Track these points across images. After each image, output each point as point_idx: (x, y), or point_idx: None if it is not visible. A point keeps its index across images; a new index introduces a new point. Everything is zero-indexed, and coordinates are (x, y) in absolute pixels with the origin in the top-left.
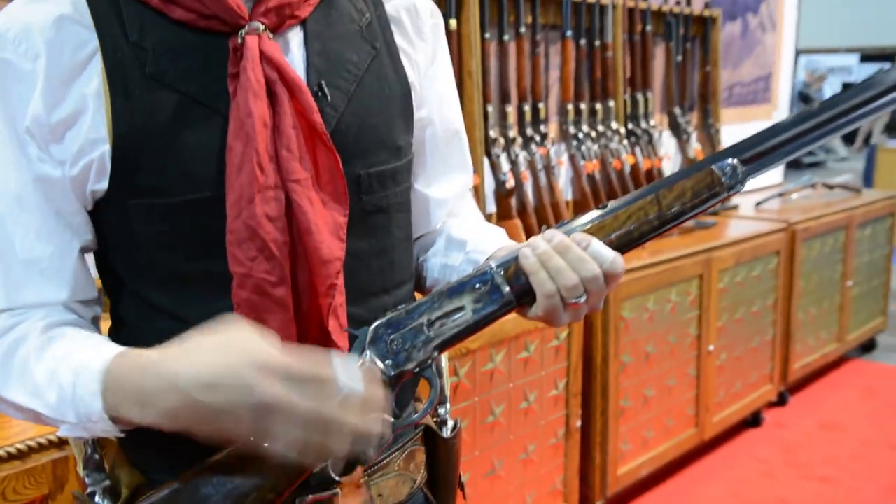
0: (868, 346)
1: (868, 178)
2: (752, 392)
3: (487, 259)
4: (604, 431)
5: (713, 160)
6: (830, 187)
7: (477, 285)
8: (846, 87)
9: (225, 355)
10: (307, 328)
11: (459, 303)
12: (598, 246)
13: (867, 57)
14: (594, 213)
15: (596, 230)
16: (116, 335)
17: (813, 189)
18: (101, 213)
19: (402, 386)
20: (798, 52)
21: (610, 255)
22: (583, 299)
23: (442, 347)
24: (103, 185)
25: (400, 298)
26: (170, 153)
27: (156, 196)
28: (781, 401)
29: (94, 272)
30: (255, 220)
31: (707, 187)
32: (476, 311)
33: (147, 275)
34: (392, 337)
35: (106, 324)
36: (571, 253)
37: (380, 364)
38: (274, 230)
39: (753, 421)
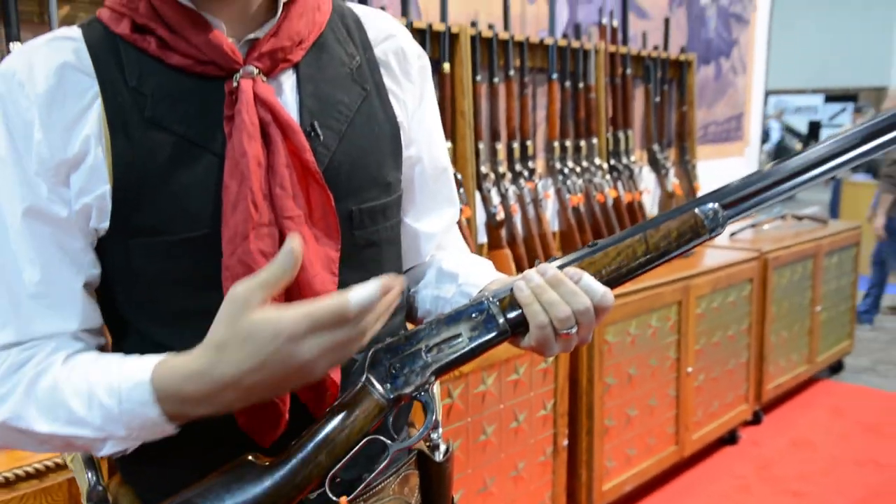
0: (836, 368)
1: (834, 210)
2: (728, 411)
3: (481, 290)
4: (589, 449)
5: (696, 204)
6: (799, 219)
7: (473, 314)
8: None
9: (256, 343)
10: None
11: (456, 330)
12: (589, 280)
13: (831, 97)
14: (585, 250)
15: (587, 266)
16: None
17: (783, 220)
18: (102, 251)
19: (398, 409)
20: (767, 93)
21: (600, 289)
22: (574, 330)
23: (439, 373)
24: (105, 224)
25: (392, 328)
26: (168, 193)
27: (155, 234)
28: (756, 420)
29: None
30: (250, 257)
31: (690, 229)
32: (472, 339)
33: (147, 310)
34: (391, 361)
35: None
36: (564, 286)
37: (379, 387)
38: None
39: (730, 439)
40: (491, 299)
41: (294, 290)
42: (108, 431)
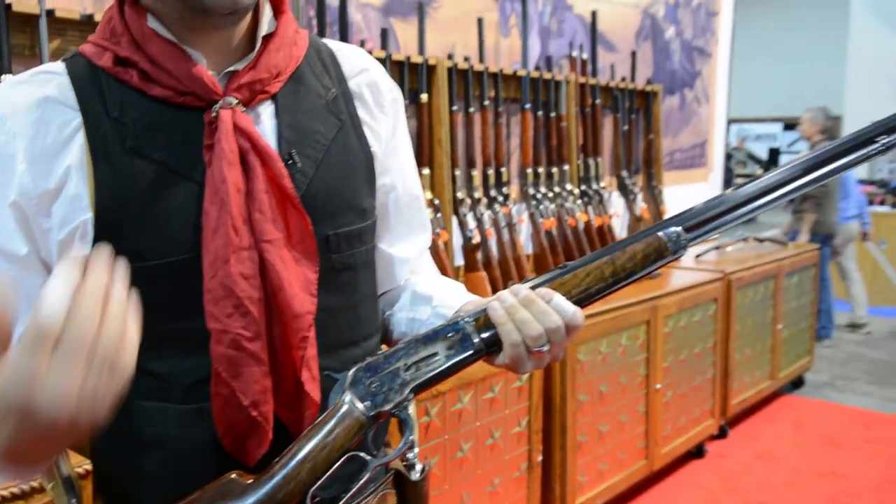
0: (797, 383)
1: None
2: (695, 426)
3: (456, 312)
4: (563, 465)
5: (660, 227)
6: (761, 241)
7: (450, 334)
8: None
9: None
10: (282, 380)
11: (433, 349)
12: (560, 300)
13: (789, 125)
14: (556, 272)
15: (558, 286)
16: None
17: (745, 242)
18: None
19: (377, 427)
20: (729, 122)
21: (570, 308)
22: (546, 348)
23: (417, 390)
24: (86, 250)
25: (368, 350)
26: (149, 219)
27: (136, 260)
28: (722, 434)
29: None
30: (231, 279)
31: (655, 251)
32: (449, 357)
33: None
34: (371, 380)
35: None
36: (536, 306)
37: (359, 405)
38: (248, 288)
39: (697, 452)
40: (466, 319)
41: (274, 311)
42: None
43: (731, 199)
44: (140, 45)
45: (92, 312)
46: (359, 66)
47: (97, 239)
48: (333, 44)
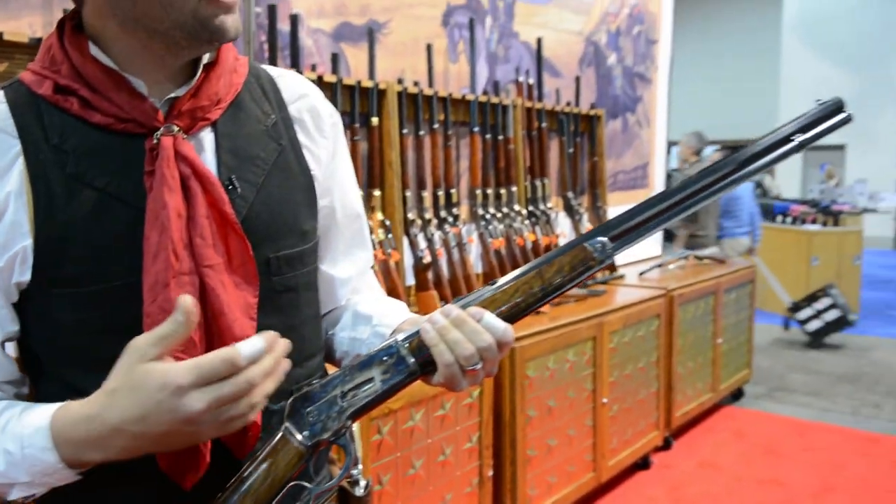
0: (737, 395)
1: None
2: (641, 438)
3: (393, 332)
4: (513, 479)
5: (586, 238)
6: (700, 259)
7: (384, 358)
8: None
9: (143, 392)
10: None
11: (369, 374)
12: (490, 318)
13: (724, 147)
14: (486, 289)
15: (488, 304)
16: None
17: (686, 260)
18: (24, 301)
19: (318, 454)
20: (669, 144)
21: (501, 325)
22: (478, 366)
23: (354, 416)
24: (26, 276)
25: (311, 370)
26: (89, 245)
27: (77, 285)
28: (666, 445)
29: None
30: (170, 304)
31: (581, 262)
32: (384, 382)
33: (69, 358)
34: (308, 409)
35: None
36: (467, 326)
37: (298, 435)
38: None
39: (643, 464)
40: (400, 342)
41: (214, 335)
42: (12, 477)
43: (650, 208)
44: (80, 72)
45: (267, 370)
46: (298, 91)
47: (37, 265)
48: (274, 70)
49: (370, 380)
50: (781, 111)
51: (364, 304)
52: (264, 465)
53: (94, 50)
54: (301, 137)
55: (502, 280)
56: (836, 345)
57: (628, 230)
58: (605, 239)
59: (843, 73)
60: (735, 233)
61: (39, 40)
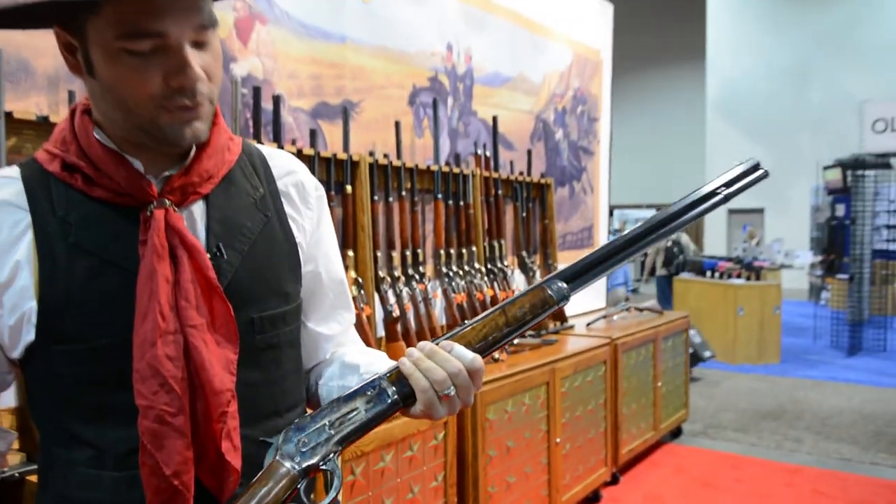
0: (676, 433)
1: (668, 302)
2: (591, 474)
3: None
4: None
5: (545, 282)
6: (640, 310)
7: (368, 391)
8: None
9: None
10: (204, 450)
11: (354, 405)
12: (459, 349)
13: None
14: (457, 329)
15: (459, 339)
16: (43, 459)
17: (628, 312)
18: (30, 356)
19: (308, 480)
20: (611, 208)
21: (469, 354)
22: (452, 391)
23: (342, 442)
24: (31, 335)
25: (291, 420)
26: (87, 306)
27: (75, 342)
28: (614, 480)
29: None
30: (157, 361)
31: (541, 301)
32: (368, 411)
33: (67, 407)
34: (299, 438)
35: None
36: (438, 355)
37: (290, 462)
38: (173, 368)
39: (594, 497)
40: (381, 376)
41: (197, 387)
42: None
43: (597, 256)
44: (86, 152)
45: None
46: (286, 168)
47: (40, 324)
48: (265, 149)
49: (355, 409)
50: (708, 178)
51: (350, 356)
52: (261, 491)
53: (98, 133)
54: (287, 209)
55: (472, 321)
56: (760, 387)
57: (580, 274)
58: (560, 282)
59: (759, 146)
60: (614, 284)
61: (45, 118)
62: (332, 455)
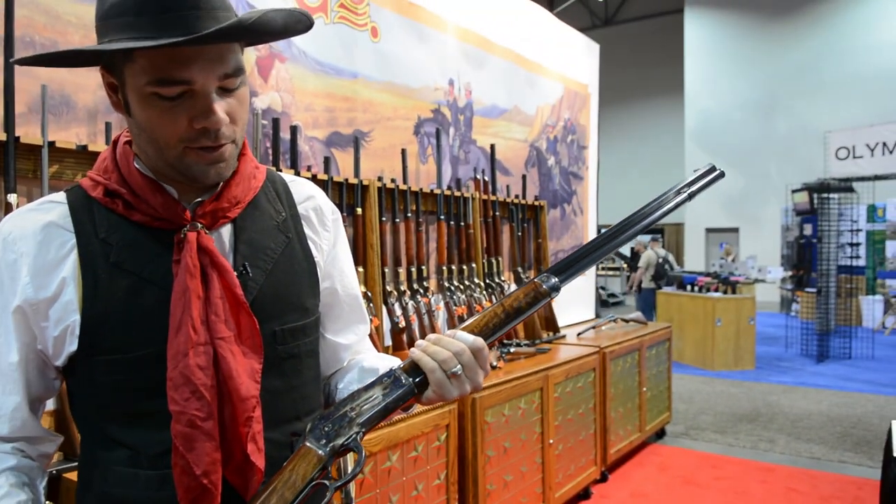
0: (660, 434)
1: (646, 312)
2: (582, 473)
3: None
4: None
5: (538, 276)
6: (626, 321)
7: (385, 380)
8: (632, 251)
9: None
10: (231, 452)
11: (373, 393)
12: (462, 333)
13: (646, 231)
14: (463, 323)
15: (463, 329)
16: (83, 459)
17: (615, 323)
18: (73, 366)
19: (334, 459)
20: (599, 228)
21: (471, 336)
22: (458, 369)
23: (364, 425)
24: (74, 346)
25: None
26: (125, 320)
27: (114, 353)
28: (603, 478)
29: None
30: (189, 370)
31: (534, 292)
32: (385, 397)
33: (107, 413)
34: (325, 425)
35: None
36: (443, 340)
37: (317, 444)
38: (203, 377)
39: (584, 495)
40: (396, 367)
41: (224, 395)
42: None
43: (582, 252)
44: (126, 179)
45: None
46: (306, 193)
47: (83, 336)
48: (287, 176)
49: (374, 396)
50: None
51: (368, 361)
52: (292, 473)
53: (137, 163)
54: (307, 231)
55: (474, 316)
56: (737, 392)
57: (568, 267)
58: (551, 276)
59: (733, 171)
60: None
61: (84, 147)
62: (355, 436)
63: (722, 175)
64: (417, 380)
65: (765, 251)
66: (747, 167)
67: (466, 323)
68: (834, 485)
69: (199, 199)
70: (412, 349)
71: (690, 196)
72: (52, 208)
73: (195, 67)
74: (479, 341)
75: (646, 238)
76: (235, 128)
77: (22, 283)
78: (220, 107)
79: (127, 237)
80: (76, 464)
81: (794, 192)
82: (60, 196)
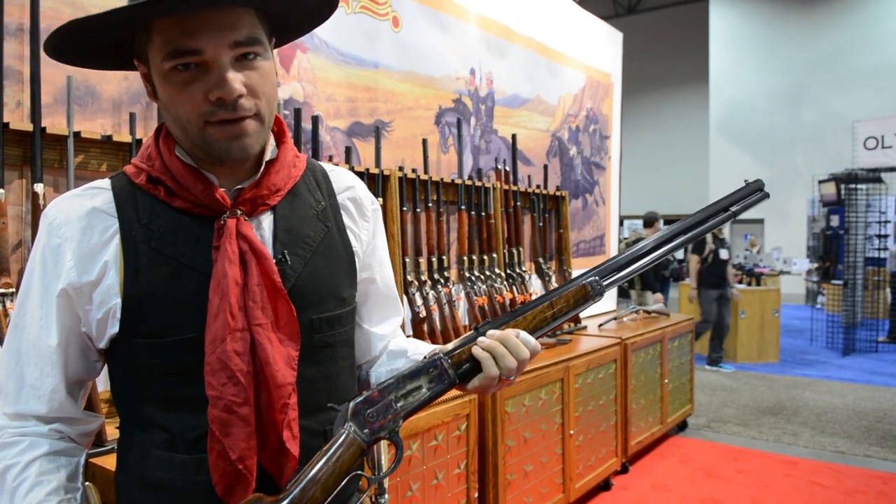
0: (682, 426)
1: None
2: (602, 464)
3: (433, 352)
4: (496, 500)
5: (584, 277)
6: (649, 313)
7: (430, 370)
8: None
9: None
10: (267, 438)
11: (418, 383)
12: (525, 336)
13: (667, 221)
14: (510, 316)
15: (514, 326)
16: (122, 440)
17: (637, 314)
18: (114, 348)
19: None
20: (621, 219)
21: (533, 340)
22: (514, 379)
23: (406, 417)
24: (115, 328)
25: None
26: (165, 304)
27: (154, 337)
28: (624, 469)
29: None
30: (226, 355)
31: (582, 295)
32: (430, 389)
33: (146, 395)
34: (368, 412)
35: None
36: (510, 342)
37: (360, 433)
38: (240, 362)
39: (605, 486)
40: (443, 357)
41: (261, 381)
42: None
43: (629, 257)
44: (168, 167)
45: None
46: (345, 183)
47: (124, 319)
48: (328, 166)
49: (419, 387)
50: (711, 191)
51: (395, 344)
52: (332, 458)
53: (178, 151)
54: (346, 221)
55: (521, 308)
56: (760, 384)
57: (615, 271)
58: (597, 278)
59: (758, 161)
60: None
61: (109, 137)
62: (396, 429)
63: (767, 196)
64: (462, 373)
65: (790, 242)
66: (773, 157)
67: (516, 318)
68: (859, 479)
69: (240, 187)
70: (475, 347)
71: (735, 214)
72: (97, 194)
73: (203, 36)
74: (539, 347)
75: (641, 230)
76: (258, 101)
77: (66, 267)
78: (236, 77)
79: (168, 223)
80: (102, 449)
81: (820, 182)
82: (105, 182)
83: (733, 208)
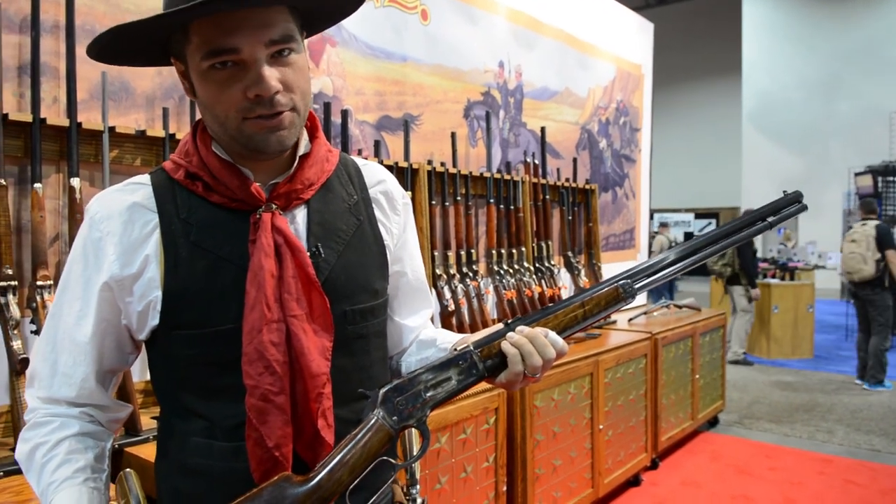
0: (713, 422)
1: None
2: (632, 459)
3: (461, 341)
4: (524, 494)
5: (616, 280)
6: (680, 307)
7: (460, 362)
8: (686, 235)
9: None
10: (302, 427)
11: (447, 374)
12: (553, 336)
13: (699, 215)
14: (541, 313)
15: (544, 324)
16: (162, 429)
17: (668, 308)
18: (154, 339)
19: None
20: (652, 212)
21: (561, 341)
22: (539, 377)
23: (434, 407)
24: (156, 320)
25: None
26: (204, 297)
27: (192, 328)
28: (654, 465)
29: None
30: (263, 346)
31: (614, 297)
32: (459, 382)
33: (184, 385)
34: (398, 399)
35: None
36: (538, 340)
37: (389, 419)
38: (276, 353)
39: (634, 481)
40: (474, 350)
41: (296, 371)
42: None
43: (663, 261)
44: (205, 163)
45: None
46: (377, 177)
47: (164, 311)
48: (360, 160)
49: (448, 378)
50: (743, 184)
51: (425, 334)
52: (360, 443)
53: (215, 147)
54: (378, 214)
55: (553, 307)
56: (793, 380)
57: (648, 275)
58: (630, 281)
59: (791, 154)
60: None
61: (143, 132)
62: (424, 418)
63: (805, 208)
64: (491, 367)
65: (825, 236)
66: (807, 149)
67: (546, 315)
68: (894, 478)
69: (274, 181)
70: (504, 342)
71: (772, 224)
72: (137, 189)
73: (240, 35)
74: (567, 348)
75: (654, 225)
76: (293, 95)
77: (108, 261)
78: (272, 74)
79: (206, 217)
80: (137, 438)
81: (856, 175)
82: (145, 178)
83: (770, 219)
